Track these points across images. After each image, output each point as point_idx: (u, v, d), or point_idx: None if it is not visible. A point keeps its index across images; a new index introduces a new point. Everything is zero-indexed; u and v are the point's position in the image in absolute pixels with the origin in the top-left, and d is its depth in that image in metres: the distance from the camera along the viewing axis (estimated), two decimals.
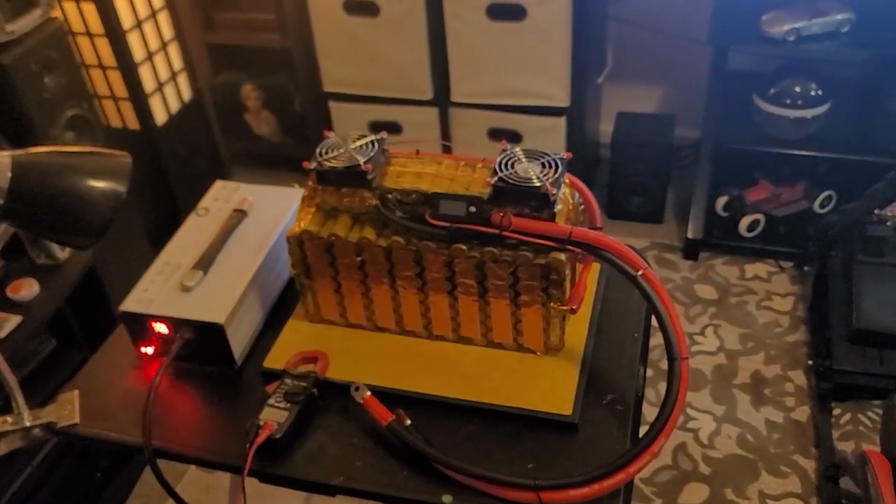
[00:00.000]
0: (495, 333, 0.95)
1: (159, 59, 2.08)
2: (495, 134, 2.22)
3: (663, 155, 2.22)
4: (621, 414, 0.89)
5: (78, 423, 0.93)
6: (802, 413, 1.72)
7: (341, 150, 0.93)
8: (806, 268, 2.07)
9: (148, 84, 2.04)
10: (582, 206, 0.95)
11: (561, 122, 2.14)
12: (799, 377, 1.81)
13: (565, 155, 0.89)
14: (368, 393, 0.88)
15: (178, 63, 2.16)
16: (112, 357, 1.02)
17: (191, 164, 2.24)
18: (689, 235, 2.15)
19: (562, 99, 2.10)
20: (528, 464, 0.84)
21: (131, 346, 1.00)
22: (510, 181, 0.85)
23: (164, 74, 2.10)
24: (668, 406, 0.80)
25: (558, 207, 0.86)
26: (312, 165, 0.92)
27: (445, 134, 2.27)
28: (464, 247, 0.88)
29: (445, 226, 0.87)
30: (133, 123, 2.07)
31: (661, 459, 1.63)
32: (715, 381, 1.81)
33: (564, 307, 0.89)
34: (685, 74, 2.38)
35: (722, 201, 2.17)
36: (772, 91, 2.01)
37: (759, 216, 2.13)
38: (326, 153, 0.93)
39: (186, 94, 2.21)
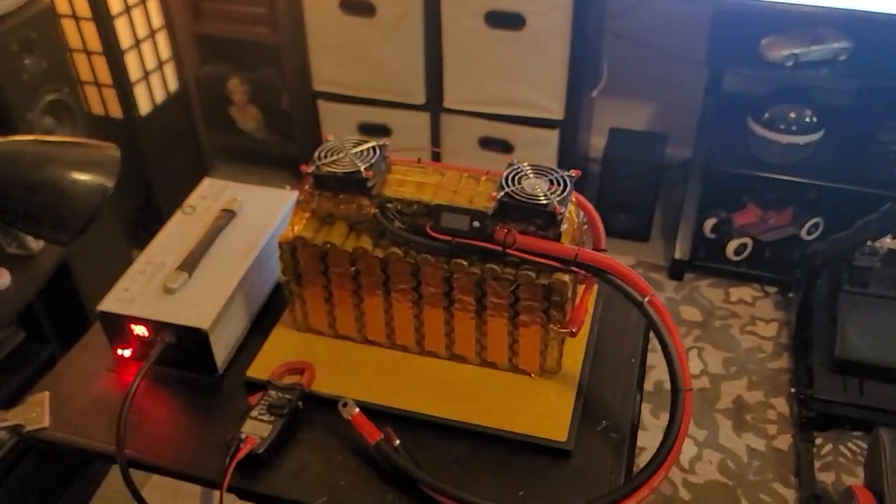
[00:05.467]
0: (490, 353, 0.92)
1: (147, 47, 2.02)
2: (486, 143, 2.19)
3: (653, 174, 2.20)
4: (616, 442, 0.86)
5: (47, 428, 0.88)
6: (784, 441, 1.71)
7: (341, 155, 0.89)
8: (791, 294, 2.07)
9: (134, 72, 1.98)
10: (585, 226, 0.92)
11: (553, 134, 2.11)
12: (781, 404, 1.80)
13: (574, 173, 0.86)
14: (357, 410, 0.84)
15: (165, 52, 2.10)
16: (86, 358, 0.97)
17: (172, 157, 2.18)
18: (676, 256, 2.13)
19: (556, 111, 2.08)
20: (519, 490, 0.81)
21: (107, 346, 0.95)
22: (517, 197, 0.82)
23: (150, 63, 2.04)
24: (670, 439, 0.77)
25: (564, 227, 0.83)
26: (310, 169, 0.88)
27: (436, 140, 2.24)
28: (464, 262, 0.85)
29: (446, 240, 0.84)
30: (116, 112, 2.00)
31: None
32: (698, 404, 1.79)
33: (564, 330, 0.86)
34: (680, 93, 2.37)
35: (710, 223, 2.16)
36: (766, 115, 2.00)
37: (747, 240, 2.13)
38: (325, 157, 0.90)
39: (172, 85, 2.15)
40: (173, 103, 2.17)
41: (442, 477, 0.81)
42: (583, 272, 0.83)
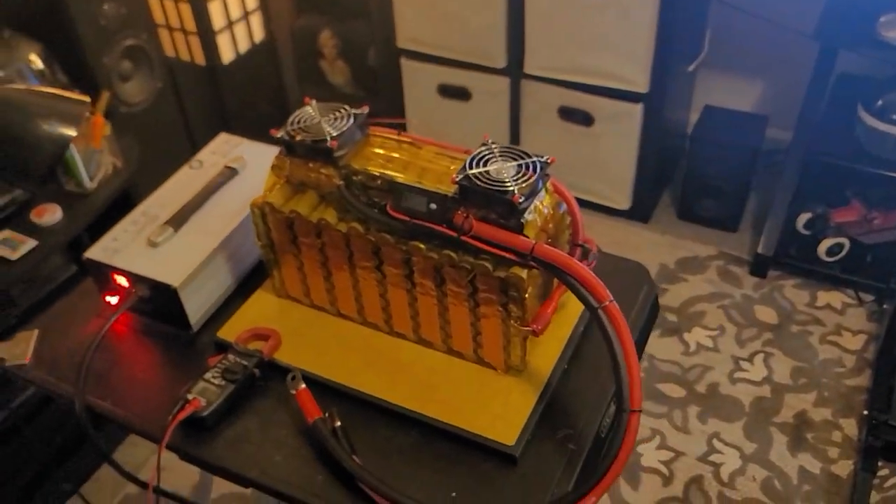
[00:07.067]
0: (455, 341, 0.87)
1: None
2: (566, 113, 2.08)
3: (746, 158, 2.02)
4: (572, 454, 0.80)
5: (26, 364, 0.92)
6: (843, 467, 1.55)
7: (314, 122, 0.86)
8: (886, 305, 1.85)
9: (217, 20, 2.02)
10: (569, 218, 0.84)
11: (637, 108, 1.98)
12: (850, 426, 1.62)
13: (549, 159, 0.79)
14: (303, 385, 0.82)
15: (252, 2, 2.13)
16: (80, 301, 1.01)
17: (254, 107, 2.23)
18: (759, 250, 1.96)
19: (641, 84, 1.94)
20: (453, 492, 0.77)
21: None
22: (477, 181, 0.76)
23: (235, 13, 2.07)
24: (606, 461, 0.70)
25: (529, 217, 0.76)
26: (280, 134, 0.86)
27: (515, 106, 2.15)
28: (422, 245, 0.80)
29: (405, 220, 0.79)
30: (200, 59, 2.06)
31: (671, 490, 1.50)
32: (752, 414, 1.65)
33: (526, 328, 0.80)
34: (787, 71, 2.15)
35: (804, 218, 1.96)
36: (879, 103, 1.78)
37: (844, 240, 1.92)
38: (298, 123, 0.86)
39: (258, 35, 2.18)
40: (258, 54, 2.20)
41: (379, 466, 0.78)
42: (540, 268, 0.76)
